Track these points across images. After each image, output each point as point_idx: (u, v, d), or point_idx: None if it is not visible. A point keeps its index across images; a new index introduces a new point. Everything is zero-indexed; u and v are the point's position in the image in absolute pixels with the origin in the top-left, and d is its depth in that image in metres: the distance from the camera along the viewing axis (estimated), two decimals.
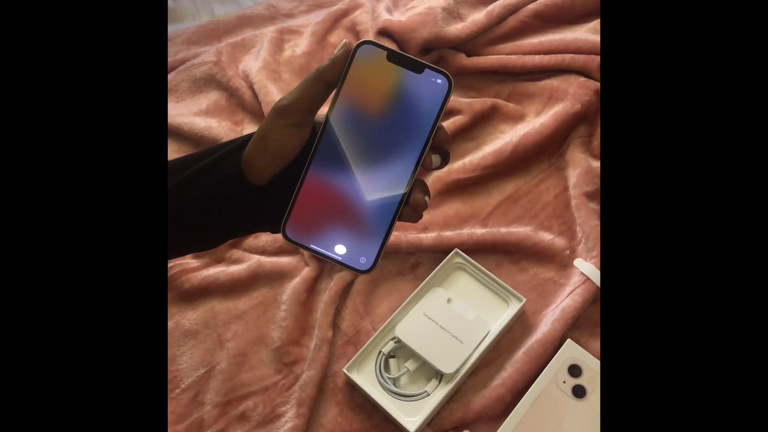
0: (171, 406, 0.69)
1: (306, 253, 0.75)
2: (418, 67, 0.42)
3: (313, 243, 0.43)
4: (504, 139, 0.81)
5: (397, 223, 0.43)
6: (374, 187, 0.42)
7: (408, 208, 0.43)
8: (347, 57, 0.42)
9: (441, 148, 0.43)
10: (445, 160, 0.44)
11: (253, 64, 0.88)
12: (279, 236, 0.76)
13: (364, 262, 0.43)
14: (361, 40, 0.43)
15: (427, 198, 0.43)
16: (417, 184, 0.43)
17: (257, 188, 0.44)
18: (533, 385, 0.66)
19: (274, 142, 0.43)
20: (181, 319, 0.74)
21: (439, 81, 0.41)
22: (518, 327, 0.71)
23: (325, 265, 0.75)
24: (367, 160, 0.42)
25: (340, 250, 0.43)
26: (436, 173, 0.78)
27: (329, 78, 0.42)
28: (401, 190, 0.42)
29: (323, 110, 0.43)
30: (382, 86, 0.41)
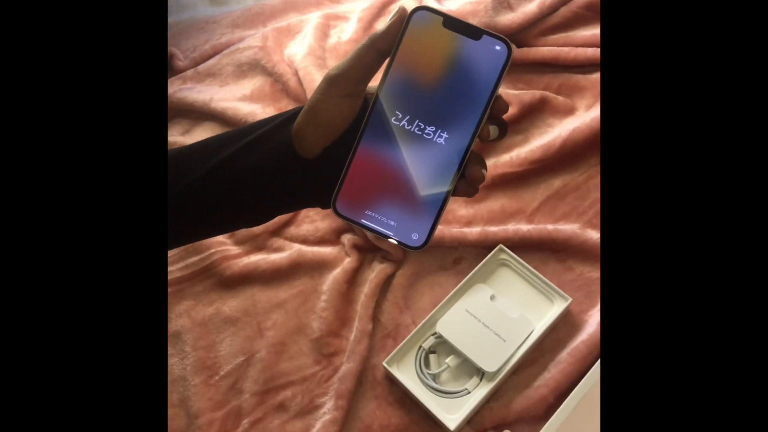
0: (209, 393, 0.69)
1: (348, 242, 0.74)
2: (475, 34, 0.40)
3: (364, 218, 0.42)
4: (552, 133, 0.79)
5: (441, 217, 0.42)
6: (428, 159, 0.41)
7: (463, 182, 0.41)
8: (401, 23, 0.41)
9: (499, 119, 0.42)
10: (503, 132, 0.42)
11: (298, 49, 0.87)
12: (320, 225, 0.75)
13: (416, 238, 0.42)
14: (417, 6, 0.41)
15: (484, 171, 0.41)
16: (473, 157, 0.41)
17: (307, 161, 0.43)
18: (577, 387, 0.64)
19: (325, 113, 0.42)
20: (221, 306, 0.74)
21: (497, 47, 0.40)
22: (563, 327, 0.70)
23: (366, 255, 0.74)
24: (421, 132, 0.41)
25: (391, 225, 0.42)
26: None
27: (382, 46, 0.41)
28: (456, 163, 0.41)
29: (376, 80, 0.41)
30: (438, 54, 0.40)
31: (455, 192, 0.42)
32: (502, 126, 0.42)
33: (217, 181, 0.44)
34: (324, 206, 0.45)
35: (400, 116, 0.41)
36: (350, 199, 0.42)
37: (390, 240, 0.42)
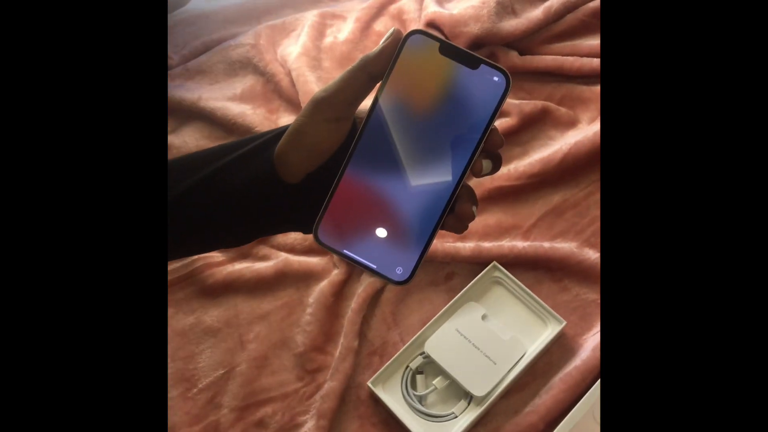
0: (187, 406, 0.67)
1: (340, 258, 0.71)
2: (473, 62, 0.38)
3: (347, 248, 0.40)
4: (553, 146, 0.76)
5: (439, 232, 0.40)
6: (416, 191, 0.39)
7: (452, 218, 0.40)
8: (396, 47, 0.39)
9: (493, 153, 0.40)
10: (496, 167, 0.40)
11: (292, 49, 0.84)
12: (309, 234, 0.73)
13: (400, 272, 0.40)
14: (412, 30, 0.39)
15: (474, 208, 0.40)
16: (464, 192, 0.40)
17: (290, 186, 0.41)
18: (568, 415, 0.62)
19: (311, 137, 0.40)
20: (202, 315, 0.71)
21: (495, 78, 0.38)
22: (556, 351, 0.67)
23: (355, 268, 0.72)
24: (411, 162, 0.39)
25: (375, 257, 0.40)
26: (480, 179, 0.73)
27: (375, 69, 0.39)
28: (446, 197, 0.39)
29: (365, 105, 0.40)
30: (432, 81, 0.38)
31: (444, 226, 0.40)
32: (496, 160, 0.40)
33: (194, 202, 0.42)
34: (306, 232, 0.43)
35: (389, 143, 0.39)
36: (333, 227, 0.40)
37: (373, 273, 0.40)
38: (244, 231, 0.45)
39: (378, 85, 0.39)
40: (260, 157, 0.42)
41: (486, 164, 0.40)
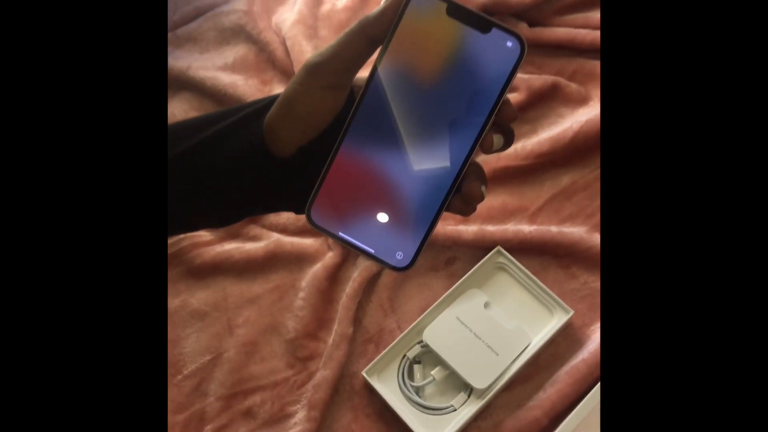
0: (171, 394, 0.63)
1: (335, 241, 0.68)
2: (484, 26, 0.35)
3: (343, 231, 0.38)
4: (563, 124, 0.72)
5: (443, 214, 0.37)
6: (419, 168, 0.37)
7: (459, 198, 0.37)
8: (398, 8, 0.35)
9: (505, 126, 0.37)
10: (508, 142, 0.38)
11: (287, 16, 0.80)
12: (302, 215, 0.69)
13: (400, 257, 0.37)
14: None
15: (483, 188, 0.37)
16: (472, 170, 0.37)
17: (280, 161, 0.39)
18: (574, 411, 0.59)
19: (303, 106, 0.37)
20: (188, 298, 0.67)
21: (509, 44, 0.35)
22: (562, 342, 0.64)
23: (351, 251, 0.68)
24: (414, 136, 0.36)
25: (373, 241, 0.37)
26: (484, 157, 0.69)
27: (375, 32, 0.36)
28: (452, 175, 0.36)
29: (364, 72, 0.37)
30: (439, 46, 0.35)
31: (449, 208, 0.37)
32: (508, 135, 0.37)
33: (174, 178, 0.38)
34: (298, 212, 0.41)
35: (390, 115, 0.36)
36: (327, 207, 0.37)
37: (371, 258, 0.38)
38: (229, 210, 0.42)
39: (378, 50, 0.36)
40: (248, 129, 0.39)
41: (497, 139, 0.37)
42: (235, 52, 0.79)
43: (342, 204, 0.37)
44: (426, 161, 0.36)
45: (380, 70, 0.36)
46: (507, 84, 0.35)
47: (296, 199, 0.40)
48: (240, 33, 0.80)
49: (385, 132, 0.36)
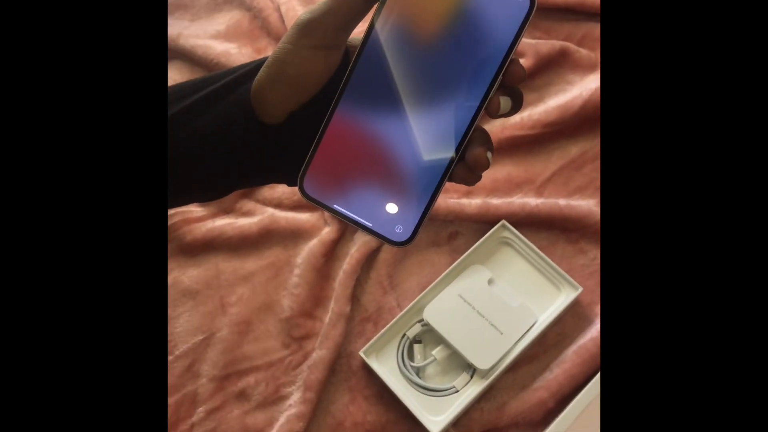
0: None
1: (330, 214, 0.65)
2: None
3: (338, 203, 0.36)
4: (572, 92, 0.68)
5: (446, 185, 0.35)
6: (420, 134, 0.34)
7: (463, 166, 0.35)
8: None
9: (513, 88, 0.35)
10: (516, 106, 0.35)
11: None
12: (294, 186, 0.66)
13: (400, 231, 0.35)
14: None
15: (489, 154, 0.35)
16: (477, 135, 0.35)
17: (269, 128, 0.37)
18: (582, 392, 0.57)
19: (294, 68, 0.35)
20: (180, 276, 0.65)
21: None
22: (570, 320, 0.61)
23: (349, 226, 0.65)
24: (414, 98, 0.34)
25: (371, 214, 0.35)
26: (488, 125, 0.66)
27: None
28: (455, 141, 0.34)
29: (360, 30, 0.34)
30: (441, 1, 0.33)
31: (452, 177, 0.35)
32: (516, 97, 0.35)
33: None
34: (290, 183, 0.39)
35: (389, 77, 0.34)
36: (321, 178, 0.36)
37: (368, 232, 0.36)
38: (216, 182, 0.40)
39: (375, 5, 0.34)
40: (235, 94, 0.37)
41: (504, 102, 0.34)
42: (228, 19, 0.76)
43: (337, 174, 0.35)
44: (427, 126, 0.34)
45: (377, 27, 0.34)
46: (515, 41, 0.33)
47: (288, 170, 0.38)
48: None
49: (383, 95, 0.34)
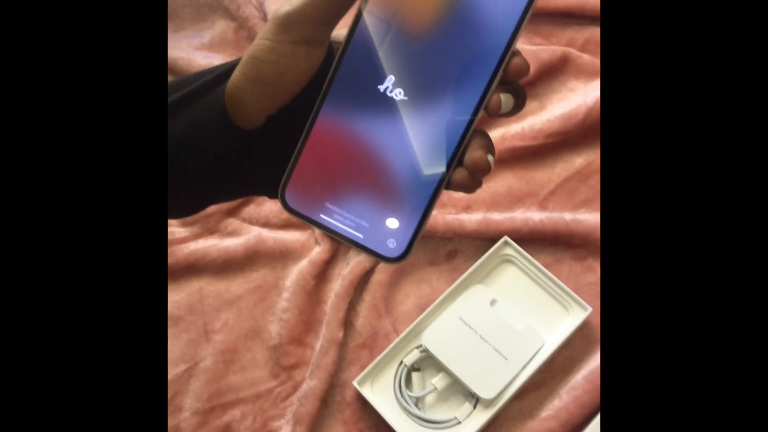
0: None
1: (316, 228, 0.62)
2: None
3: (324, 215, 0.34)
4: (575, 99, 0.66)
5: (443, 196, 0.34)
6: (413, 137, 0.32)
7: (461, 172, 0.32)
8: None
9: (515, 84, 0.32)
10: (519, 104, 0.33)
11: None
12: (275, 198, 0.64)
13: (393, 246, 0.33)
14: None
15: (490, 156, 0.32)
16: (476, 137, 0.32)
17: (246, 134, 0.34)
18: (593, 421, 0.53)
19: (272, 66, 0.32)
20: None
21: None
22: (579, 343, 0.58)
23: (341, 245, 0.62)
24: (405, 98, 0.32)
25: (360, 227, 0.33)
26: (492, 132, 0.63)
27: None
28: (453, 144, 0.32)
29: (345, 23, 0.32)
30: None
31: (450, 184, 0.32)
32: (519, 95, 0.32)
33: None
34: (271, 195, 0.36)
35: (377, 75, 0.32)
36: (305, 188, 0.33)
37: (358, 247, 0.33)
38: (188, 195, 0.37)
39: None
40: (208, 97, 0.34)
41: (505, 99, 0.31)
42: (213, 30, 0.73)
43: (322, 183, 0.33)
44: (421, 128, 0.32)
45: (364, 19, 0.31)
46: (517, 31, 0.30)
47: (268, 180, 0.35)
48: (217, 8, 0.74)
49: (372, 95, 0.32)
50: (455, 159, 0.32)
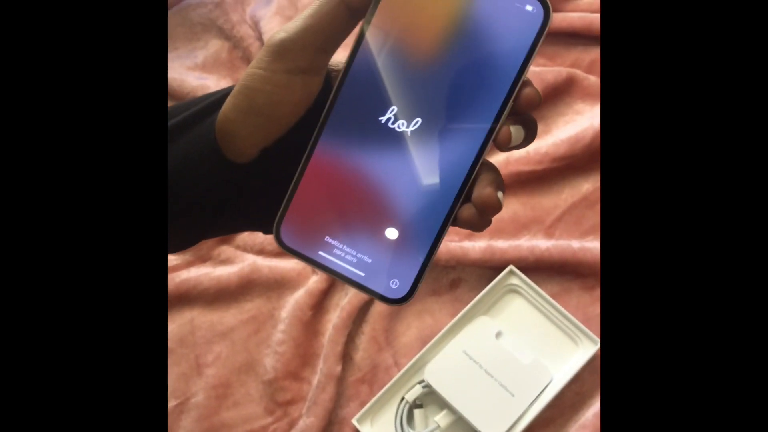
0: None
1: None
2: None
3: (322, 253, 0.32)
4: (581, 122, 0.64)
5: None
6: (417, 171, 0.31)
7: (470, 209, 0.31)
8: None
9: (526, 115, 0.31)
10: (530, 136, 0.32)
11: (264, 10, 0.72)
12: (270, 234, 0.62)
13: (396, 286, 0.32)
14: None
15: (500, 193, 0.31)
16: (485, 171, 0.31)
17: (238, 168, 0.33)
18: None
19: (266, 96, 0.32)
20: None
21: (529, 8, 0.29)
22: (589, 377, 0.56)
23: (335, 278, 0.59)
24: (410, 129, 0.31)
25: (361, 265, 0.32)
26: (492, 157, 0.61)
27: (355, 0, 0.30)
28: (459, 179, 0.30)
29: (343, 52, 0.31)
30: (437, 13, 0.30)
31: (457, 221, 0.31)
32: (530, 126, 0.31)
33: None
34: (266, 231, 0.35)
35: (378, 106, 0.31)
36: (302, 224, 0.32)
37: (359, 288, 0.32)
38: (183, 229, 0.35)
39: (361, 23, 0.31)
40: (198, 128, 0.33)
41: (515, 131, 0.30)
42: (206, 50, 0.71)
43: (319, 220, 0.32)
44: (426, 162, 0.31)
45: (364, 48, 0.30)
46: (528, 60, 0.29)
47: (262, 216, 0.34)
48: (211, 28, 0.72)
49: (373, 126, 0.31)
50: (462, 195, 0.30)
